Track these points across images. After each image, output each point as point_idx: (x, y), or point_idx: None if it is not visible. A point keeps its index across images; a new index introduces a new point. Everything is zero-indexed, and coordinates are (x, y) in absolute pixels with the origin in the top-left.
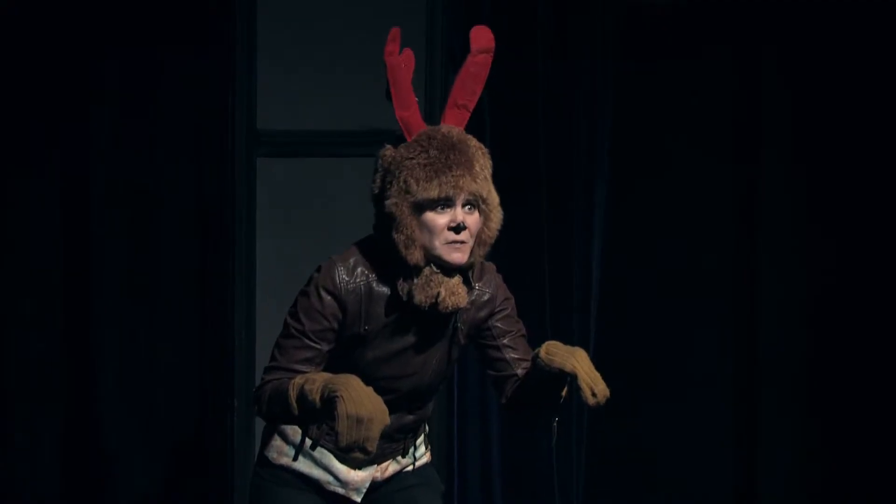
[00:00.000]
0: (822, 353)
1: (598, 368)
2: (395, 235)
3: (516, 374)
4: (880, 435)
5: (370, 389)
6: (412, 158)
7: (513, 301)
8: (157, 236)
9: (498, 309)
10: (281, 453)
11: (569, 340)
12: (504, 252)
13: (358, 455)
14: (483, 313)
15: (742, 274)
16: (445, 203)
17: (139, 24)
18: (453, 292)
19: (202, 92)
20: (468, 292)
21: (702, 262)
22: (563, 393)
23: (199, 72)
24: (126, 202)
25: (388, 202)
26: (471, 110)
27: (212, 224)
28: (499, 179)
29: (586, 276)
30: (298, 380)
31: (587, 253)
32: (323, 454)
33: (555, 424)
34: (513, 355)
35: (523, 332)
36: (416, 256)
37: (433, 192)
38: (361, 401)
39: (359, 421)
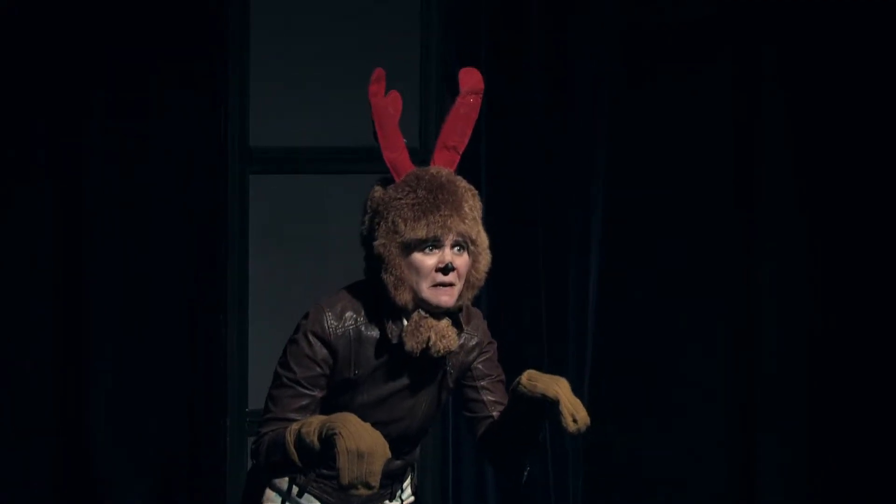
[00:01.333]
0: (821, 355)
1: (596, 371)
2: (385, 276)
3: (491, 416)
4: (880, 440)
5: (368, 424)
6: (400, 199)
7: (495, 345)
8: (148, 254)
9: (483, 351)
10: (267, 499)
11: (565, 344)
12: (501, 255)
13: (362, 491)
14: (471, 357)
15: (741, 278)
16: (434, 244)
17: (133, 40)
18: (443, 335)
19: (195, 110)
20: (458, 335)
21: (701, 267)
22: (539, 436)
23: (192, 89)
24: (118, 220)
25: (376, 243)
26: (461, 152)
27: (204, 242)
28: (497, 180)
29: (583, 281)
30: (294, 426)
31: (585, 257)
32: (310, 501)
33: (525, 473)
34: (490, 398)
35: (502, 377)
36: (404, 298)
37: (421, 233)
38: (361, 435)
39: (359, 455)
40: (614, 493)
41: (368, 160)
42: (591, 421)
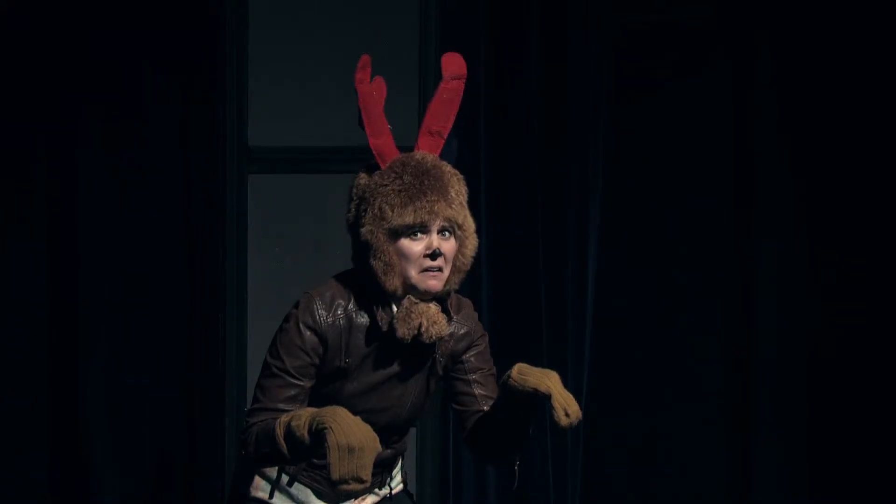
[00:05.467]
0: (820, 356)
1: (595, 371)
2: (373, 262)
3: (482, 411)
4: (879, 440)
5: (358, 418)
6: (386, 185)
7: (487, 338)
8: (146, 254)
9: (474, 344)
10: (257, 488)
11: (565, 344)
12: (501, 254)
13: (354, 486)
14: (461, 346)
15: (741, 278)
16: (421, 229)
17: (131, 39)
18: (434, 321)
19: (193, 109)
20: (448, 322)
21: (700, 267)
22: (530, 430)
23: (191, 88)
24: (116, 219)
25: (363, 230)
26: (444, 137)
27: (203, 242)
28: (497, 180)
29: (582, 280)
30: (284, 418)
31: (584, 257)
32: (300, 490)
33: (516, 468)
34: (481, 391)
35: (494, 371)
36: (394, 283)
37: (408, 219)
38: (351, 430)
39: (350, 450)
40: (614, 492)
41: (367, 160)
42: (591, 420)
